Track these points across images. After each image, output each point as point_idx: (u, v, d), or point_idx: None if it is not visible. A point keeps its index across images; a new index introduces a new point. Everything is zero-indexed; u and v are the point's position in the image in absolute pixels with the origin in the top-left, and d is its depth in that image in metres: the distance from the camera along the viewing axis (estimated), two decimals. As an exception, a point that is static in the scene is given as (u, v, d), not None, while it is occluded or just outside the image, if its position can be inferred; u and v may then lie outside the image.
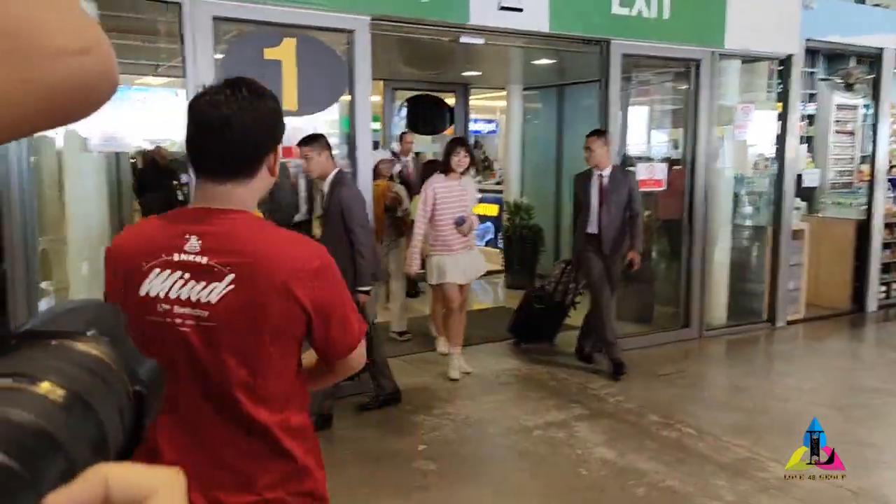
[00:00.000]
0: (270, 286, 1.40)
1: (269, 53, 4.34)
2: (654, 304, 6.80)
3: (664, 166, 6.29)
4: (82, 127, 4.58)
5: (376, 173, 5.87)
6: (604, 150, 5.28)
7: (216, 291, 1.40)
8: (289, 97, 4.44)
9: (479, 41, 5.36)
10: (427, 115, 9.30)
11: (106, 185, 4.44)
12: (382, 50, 5.93)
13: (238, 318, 1.40)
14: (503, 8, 5.02)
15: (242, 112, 1.45)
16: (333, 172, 4.40)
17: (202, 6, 4.17)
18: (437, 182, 5.21)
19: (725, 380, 5.61)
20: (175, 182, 7.23)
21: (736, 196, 6.94)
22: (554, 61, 7.77)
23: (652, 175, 6.09)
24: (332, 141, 9.57)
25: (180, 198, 7.06)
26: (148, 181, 6.87)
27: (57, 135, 5.63)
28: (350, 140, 4.87)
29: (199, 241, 1.43)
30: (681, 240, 6.45)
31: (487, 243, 10.14)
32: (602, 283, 5.35)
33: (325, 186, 4.42)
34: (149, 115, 10.62)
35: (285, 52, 4.38)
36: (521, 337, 6.14)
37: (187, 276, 1.42)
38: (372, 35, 4.71)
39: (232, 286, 1.40)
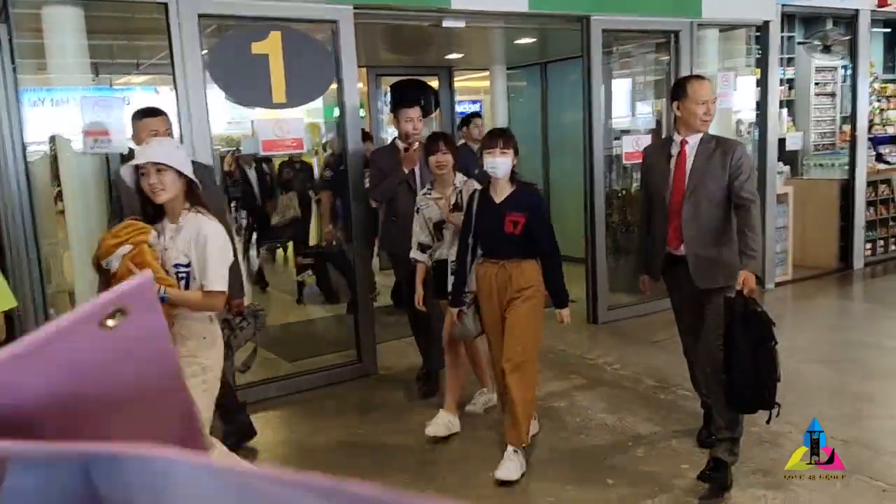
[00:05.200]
0: None
1: (257, 48, 4.41)
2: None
3: (648, 138, 6.39)
4: (72, 131, 4.65)
5: None
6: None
7: None
8: (277, 90, 4.52)
9: (461, 24, 5.43)
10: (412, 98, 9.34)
11: (102, 186, 4.50)
12: (365, 37, 6.00)
13: None
14: (483, -10, 5.09)
15: None
16: None
17: (188, 4, 4.23)
18: None
19: (719, 343, 5.74)
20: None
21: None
22: (535, 40, 7.84)
23: (637, 147, 6.18)
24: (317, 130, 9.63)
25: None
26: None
27: (46, 140, 5.69)
28: (340, 129, 4.94)
29: None
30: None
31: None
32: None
33: None
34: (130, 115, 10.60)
35: (272, 46, 4.44)
36: None
37: None
38: (355, 24, 4.78)
39: None
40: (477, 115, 7.48)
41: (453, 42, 7.87)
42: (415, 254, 4.33)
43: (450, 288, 3.96)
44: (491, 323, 3.74)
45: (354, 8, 4.73)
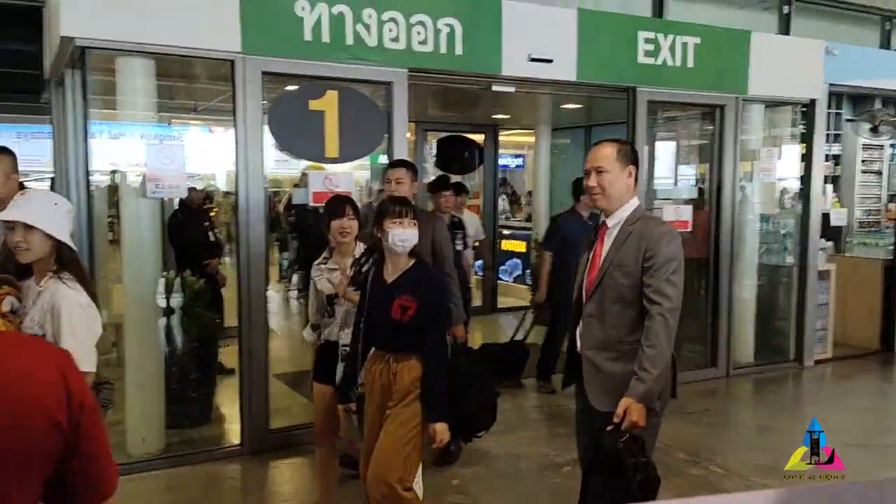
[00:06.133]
0: None
1: (314, 105, 4.62)
2: (681, 343, 6.88)
3: (689, 208, 6.39)
4: (130, 166, 4.86)
5: None
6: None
7: None
8: (331, 145, 4.71)
9: (510, 89, 5.59)
10: (457, 154, 9.57)
11: (158, 224, 4.71)
12: (415, 95, 6.20)
13: None
14: (533, 59, 5.26)
15: None
16: None
17: (253, 62, 4.47)
18: None
19: (753, 419, 5.66)
20: (206, 224, 7.15)
21: (762, 235, 7.05)
22: (581, 105, 8.00)
23: (678, 216, 6.21)
24: (363, 174, 9.86)
25: (212, 239, 7.06)
26: (178, 224, 6.52)
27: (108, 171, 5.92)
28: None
29: None
30: (707, 279, 6.56)
31: (515, 279, 10.30)
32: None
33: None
34: (188, 155, 10.98)
35: (328, 104, 4.65)
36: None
37: None
38: (408, 85, 4.97)
39: None
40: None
41: (500, 104, 8.07)
42: (305, 332, 3.84)
43: (338, 377, 3.38)
44: (368, 430, 3.11)
45: (409, 71, 4.92)
